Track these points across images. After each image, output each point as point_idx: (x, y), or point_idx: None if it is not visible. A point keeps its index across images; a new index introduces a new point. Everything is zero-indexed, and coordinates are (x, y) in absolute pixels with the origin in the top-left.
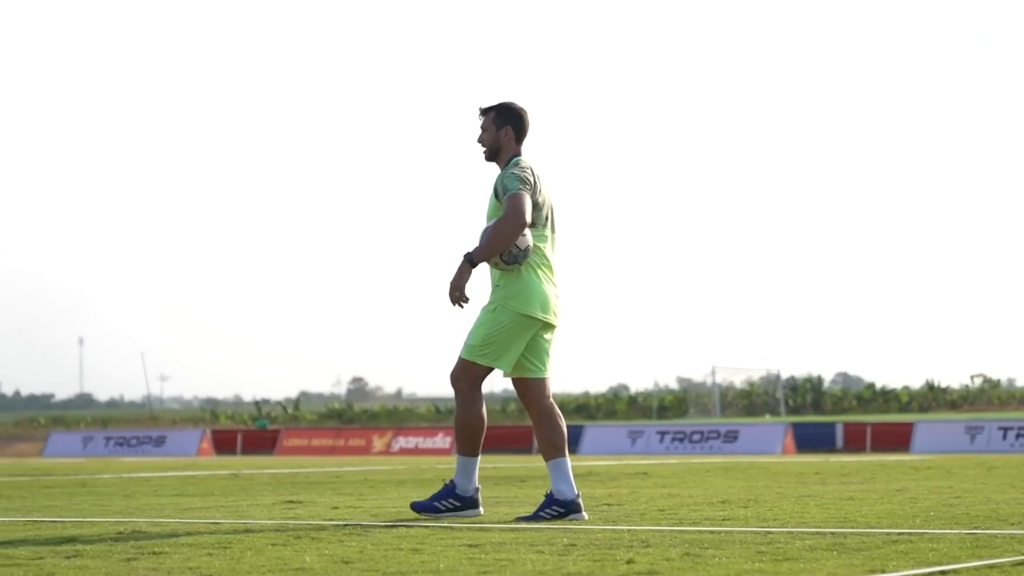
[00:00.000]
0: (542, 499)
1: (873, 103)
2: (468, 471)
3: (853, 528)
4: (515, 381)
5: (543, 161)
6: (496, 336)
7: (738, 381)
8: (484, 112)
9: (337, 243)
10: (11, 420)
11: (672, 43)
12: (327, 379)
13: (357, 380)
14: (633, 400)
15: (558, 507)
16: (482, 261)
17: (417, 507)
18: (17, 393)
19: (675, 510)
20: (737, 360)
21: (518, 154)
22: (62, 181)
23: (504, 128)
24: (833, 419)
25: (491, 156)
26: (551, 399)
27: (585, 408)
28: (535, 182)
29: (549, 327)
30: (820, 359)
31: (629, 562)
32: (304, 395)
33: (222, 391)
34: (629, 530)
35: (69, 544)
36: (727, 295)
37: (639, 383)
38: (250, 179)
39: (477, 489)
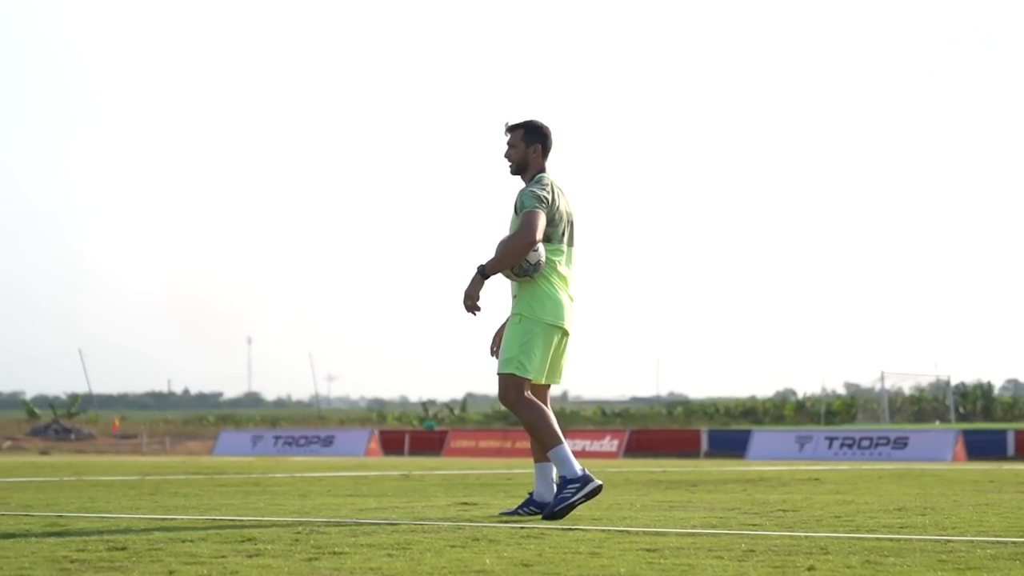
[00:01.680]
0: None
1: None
2: (546, 476)
3: None
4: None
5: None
6: (526, 345)
7: (907, 387)
8: (512, 129)
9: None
10: (181, 418)
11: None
12: (493, 380)
13: None
14: (800, 405)
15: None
16: (494, 273)
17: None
18: (186, 391)
19: (851, 517)
20: (906, 365)
21: (543, 170)
22: (231, 182)
23: (533, 146)
24: (1004, 426)
25: (518, 171)
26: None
27: (752, 413)
28: (553, 199)
29: (566, 333)
30: (990, 365)
31: (810, 569)
32: (470, 396)
33: (388, 392)
34: (807, 536)
35: (249, 543)
36: (897, 299)
37: (806, 387)
38: (415, 183)
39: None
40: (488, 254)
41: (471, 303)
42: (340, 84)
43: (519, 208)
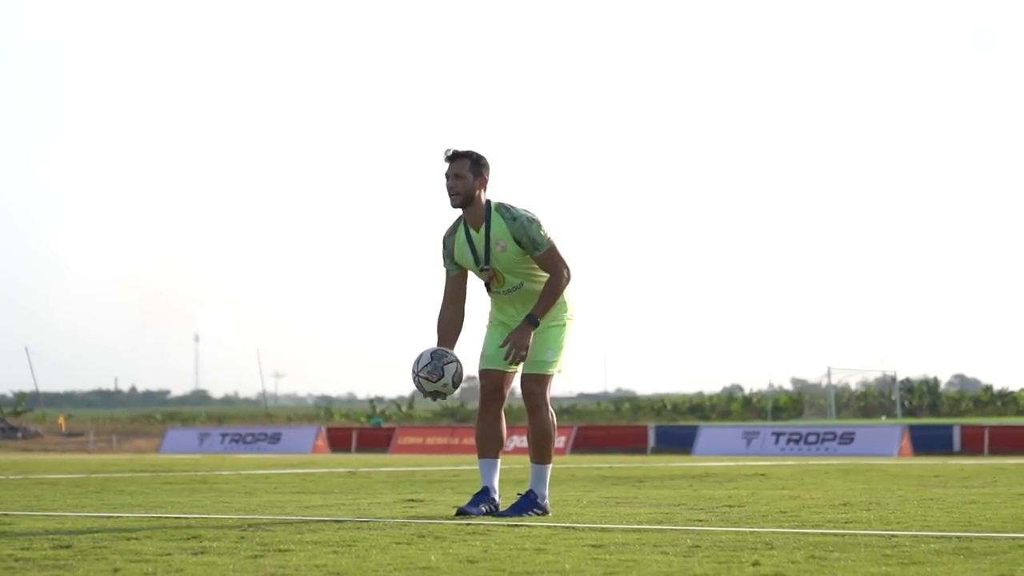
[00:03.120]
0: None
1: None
2: (544, 478)
3: (978, 532)
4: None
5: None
6: (565, 349)
7: (853, 382)
8: (456, 157)
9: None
10: (128, 416)
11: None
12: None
13: (470, 379)
14: (747, 401)
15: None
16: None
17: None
18: (133, 389)
19: (797, 512)
20: (852, 361)
21: (489, 200)
22: (180, 179)
23: (480, 178)
24: (950, 421)
25: (464, 203)
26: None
27: (699, 409)
28: None
29: None
30: (936, 361)
31: (755, 564)
32: (418, 393)
33: (336, 389)
34: (752, 532)
35: (195, 540)
36: (843, 296)
37: (753, 384)
38: (363, 183)
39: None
40: (433, 262)
41: (525, 353)
42: (288, 81)
43: (528, 244)
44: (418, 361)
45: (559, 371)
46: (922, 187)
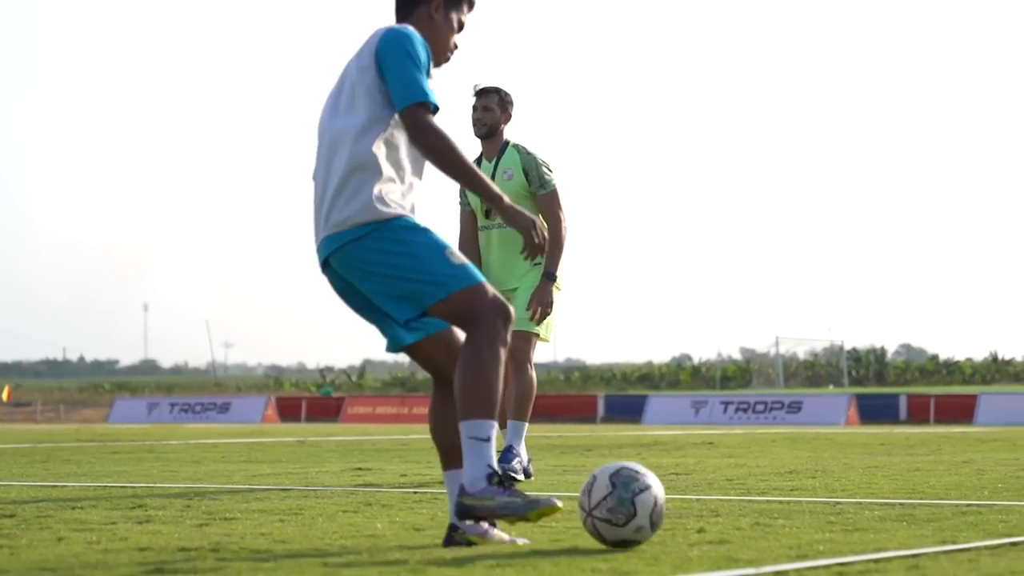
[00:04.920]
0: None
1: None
2: (520, 434)
3: (922, 499)
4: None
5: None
6: (552, 318)
7: (801, 352)
8: (486, 92)
9: None
10: (76, 386)
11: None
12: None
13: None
14: (696, 370)
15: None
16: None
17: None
18: (82, 359)
19: (743, 480)
20: (800, 331)
21: (508, 139)
22: (130, 148)
23: (505, 113)
24: (897, 391)
25: (489, 134)
26: None
27: (648, 378)
28: None
29: None
30: (883, 330)
31: (700, 531)
32: (368, 363)
33: (286, 358)
34: (698, 499)
35: (140, 509)
36: (791, 266)
37: (702, 353)
38: (310, 150)
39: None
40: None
41: (550, 311)
42: (239, 52)
43: (536, 180)
44: (589, 492)
45: (545, 339)
46: (867, 159)
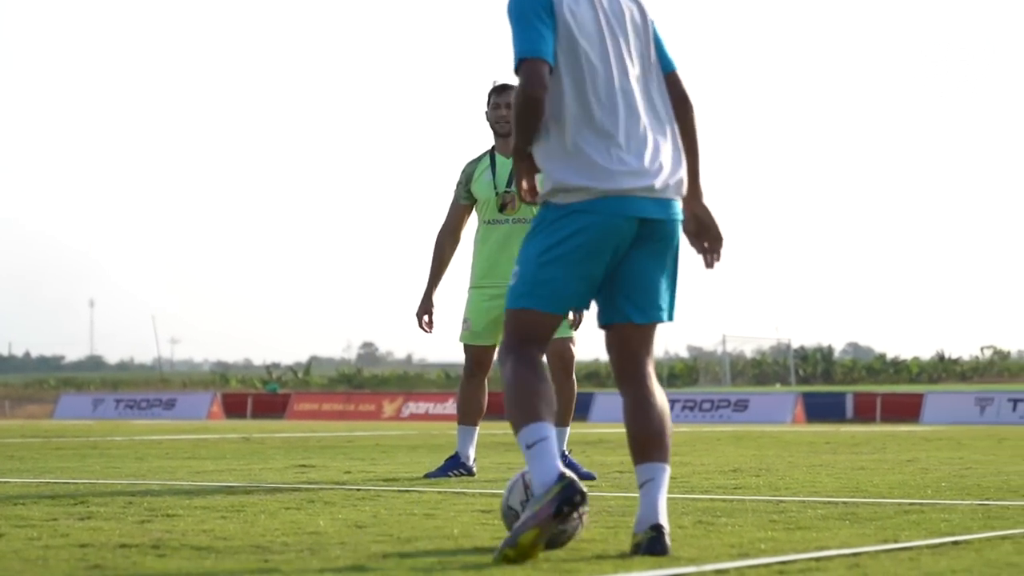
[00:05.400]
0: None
1: (880, 79)
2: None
3: (865, 498)
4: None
5: None
6: None
7: (748, 350)
8: (507, 89)
9: (349, 209)
10: (21, 382)
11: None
12: (338, 344)
13: (367, 345)
14: None
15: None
16: None
17: None
18: (27, 355)
19: (687, 478)
20: (748, 329)
21: None
22: (74, 141)
23: None
24: (843, 389)
25: (511, 132)
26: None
27: (595, 375)
28: None
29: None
30: (831, 329)
31: None
32: (315, 360)
33: (232, 355)
34: None
35: (82, 506)
36: (739, 264)
37: None
38: (262, 144)
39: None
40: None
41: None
42: (156, 42)
43: None
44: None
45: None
46: (811, 159)
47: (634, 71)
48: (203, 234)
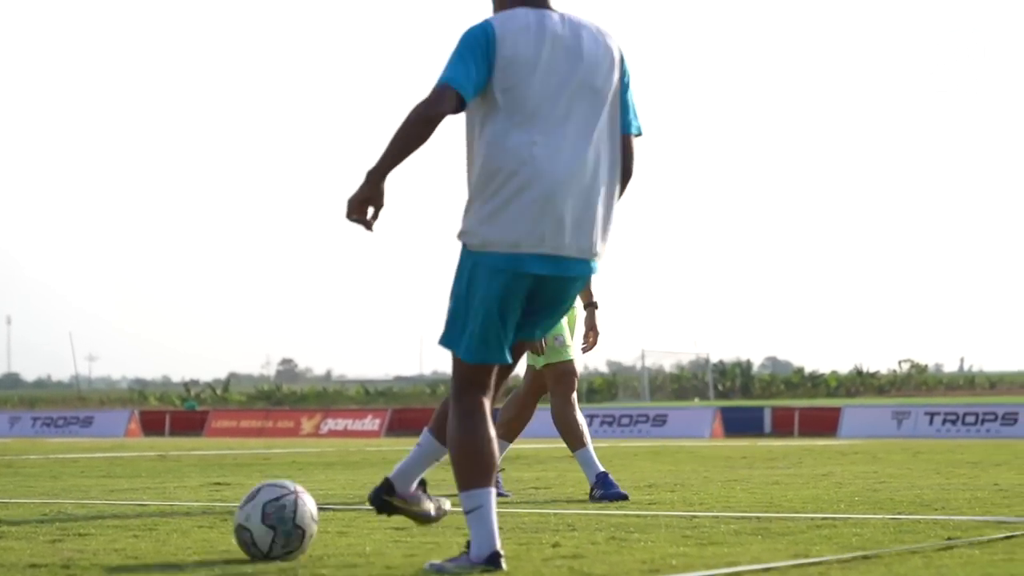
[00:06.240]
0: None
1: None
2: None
3: (778, 513)
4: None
5: None
6: None
7: (667, 365)
8: None
9: (267, 225)
10: None
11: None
12: (256, 360)
13: (287, 362)
14: None
15: None
16: None
17: None
18: None
19: None
20: (667, 344)
21: None
22: None
23: None
24: (761, 403)
25: None
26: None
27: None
28: None
29: None
30: (749, 344)
31: (555, 546)
32: (233, 376)
33: (151, 372)
34: (556, 514)
35: None
36: (657, 279)
37: None
38: (181, 160)
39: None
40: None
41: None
42: (82, 53)
43: None
44: (253, 545)
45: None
46: (730, 172)
47: (571, 126)
48: (121, 250)
